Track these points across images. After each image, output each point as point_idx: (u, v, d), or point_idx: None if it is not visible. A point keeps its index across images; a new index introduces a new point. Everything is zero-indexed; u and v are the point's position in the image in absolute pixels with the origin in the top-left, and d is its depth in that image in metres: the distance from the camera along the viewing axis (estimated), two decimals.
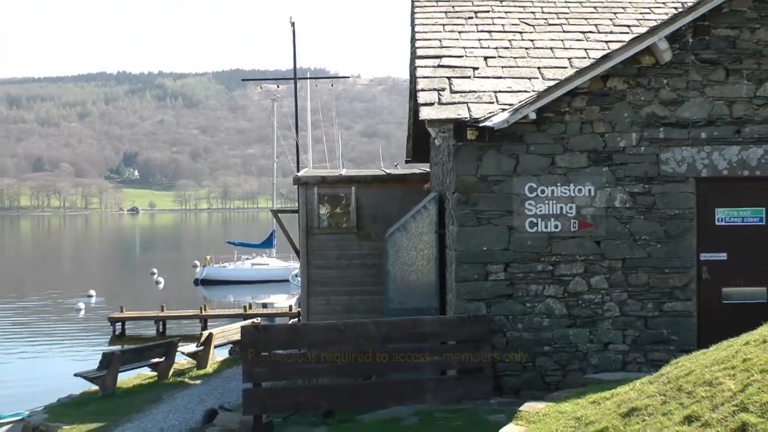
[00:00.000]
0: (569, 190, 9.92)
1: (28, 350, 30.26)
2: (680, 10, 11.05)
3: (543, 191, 9.91)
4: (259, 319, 28.27)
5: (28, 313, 39.79)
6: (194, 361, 21.13)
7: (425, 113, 9.96)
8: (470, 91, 10.35)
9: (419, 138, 16.20)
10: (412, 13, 12.69)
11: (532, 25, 12.08)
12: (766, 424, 4.50)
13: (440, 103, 10.12)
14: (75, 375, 18.97)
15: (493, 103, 10.13)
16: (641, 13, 12.47)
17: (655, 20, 11.78)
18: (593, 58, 10.50)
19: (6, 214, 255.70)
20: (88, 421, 15.21)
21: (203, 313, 32.12)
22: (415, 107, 13.07)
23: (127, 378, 19.54)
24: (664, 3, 12.83)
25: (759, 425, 4.53)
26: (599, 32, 11.91)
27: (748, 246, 9.95)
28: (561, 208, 9.93)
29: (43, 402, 18.01)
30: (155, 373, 19.88)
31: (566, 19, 12.31)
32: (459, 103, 10.11)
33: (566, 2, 12.90)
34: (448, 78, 10.61)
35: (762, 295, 9.92)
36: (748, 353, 5.77)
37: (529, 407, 7.08)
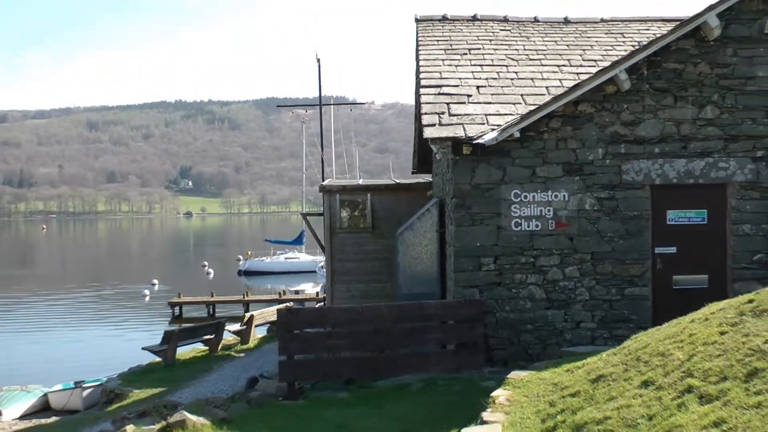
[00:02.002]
0: (547, 196, 9.93)
1: (105, 329, 30.52)
2: (637, 47, 11.06)
3: (526, 197, 9.93)
4: (291, 303, 28.37)
5: (105, 299, 40.05)
6: (239, 338, 21.24)
7: (428, 133, 9.99)
8: (465, 115, 10.38)
9: (423, 153, 16.20)
10: (417, 50, 12.73)
11: (516, 60, 12.09)
12: (708, 387, 4.53)
13: (440, 124, 10.16)
14: (142, 349, 19.15)
15: (484, 124, 10.16)
16: (605, 50, 12.45)
17: (617, 56, 11.78)
18: (566, 87, 10.50)
19: (86, 218, 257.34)
20: (154, 386, 15.36)
21: (246, 298, 32.28)
22: (419, 128, 13.10)
23: (184, 351, 19.68)
24: (623, 42, 12.81)
25: (701, 387, 4.56)
26: (571, 66, 11.90)
27: (693, 241, 9.95)
28: (541, 210, 9.94)
29: (117, 370, 18.21)
30: (207, 348, 20.00)
31: (544, 55, 12.32)
32: (456, 124, 10.14)
33: (544, 41, 12.91)
34: (447, 104, 10.64)
35: (704, 281, 9.92)
36: (693, 329, 5.79)
37: (515, 375, 7.09)
